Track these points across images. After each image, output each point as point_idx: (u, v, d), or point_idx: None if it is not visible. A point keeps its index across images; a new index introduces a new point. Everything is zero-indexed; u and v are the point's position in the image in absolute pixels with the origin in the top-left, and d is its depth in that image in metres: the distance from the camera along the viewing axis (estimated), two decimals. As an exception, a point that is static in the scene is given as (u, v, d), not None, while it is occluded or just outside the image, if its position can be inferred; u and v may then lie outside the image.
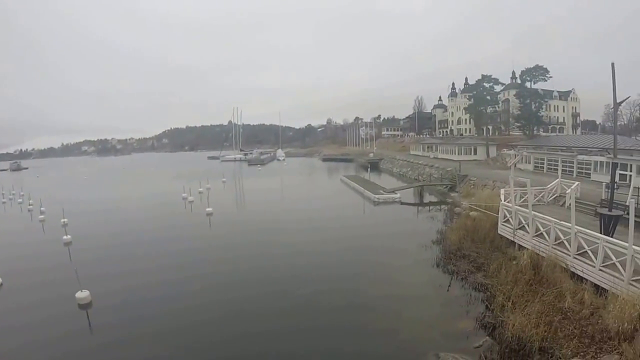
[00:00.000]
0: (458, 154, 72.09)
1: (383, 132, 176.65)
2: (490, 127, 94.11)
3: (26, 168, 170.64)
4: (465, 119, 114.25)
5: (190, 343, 14.60)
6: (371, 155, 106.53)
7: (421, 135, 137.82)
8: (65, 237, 30.67)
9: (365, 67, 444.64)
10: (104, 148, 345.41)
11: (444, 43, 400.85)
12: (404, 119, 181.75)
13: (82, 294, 18.27)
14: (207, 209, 38.83)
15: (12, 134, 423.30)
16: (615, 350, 11.00)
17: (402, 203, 42.15)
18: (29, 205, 49.02)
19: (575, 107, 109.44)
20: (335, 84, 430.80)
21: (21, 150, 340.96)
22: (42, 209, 42.70)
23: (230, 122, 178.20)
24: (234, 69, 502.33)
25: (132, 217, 40.85)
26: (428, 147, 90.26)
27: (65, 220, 34.93)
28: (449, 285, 18.32)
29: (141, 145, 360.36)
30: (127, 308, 17.88)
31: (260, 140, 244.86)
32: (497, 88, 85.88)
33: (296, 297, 18.32)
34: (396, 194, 44.45)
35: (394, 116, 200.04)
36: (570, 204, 17.19)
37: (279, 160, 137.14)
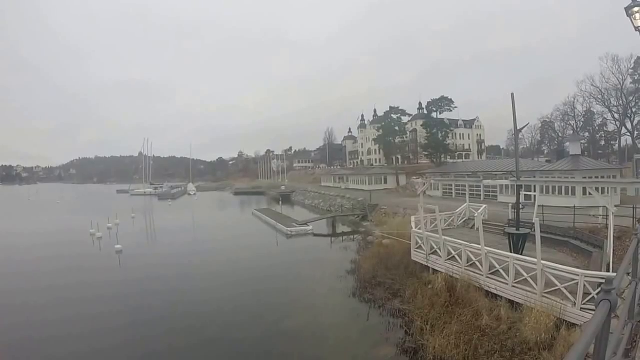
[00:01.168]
0: (369, 183, 74.25)
1: (295, 165, 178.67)
2: (400, 157, 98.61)
3: None
4: (375, 150, 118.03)
5: None
6: (283, 187, 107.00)
7: (332, 167, 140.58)
8: None
9: (276, 98, 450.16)
10: (8, 175, 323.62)
11: (348, 73, 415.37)
12: (315, 151, 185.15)
13: None
14: (117, 246, 36.39)
15: None
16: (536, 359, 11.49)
17: (315, 235, 42.12)
18: None
19: (480, 134, 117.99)
20: (247, 116, 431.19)
21: None
22: None
23: (140, 153, 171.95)
24: (143, 91, 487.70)
25: (34, 252, 37.94)
26: (339, 178, 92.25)
27: None
28: (368, 314, 18.15)
29: (48, 175, 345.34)
30: (27, 355, 16.49)
31: (171, 173, 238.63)
32: (405, 119, 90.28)
33: (211, 332, 17.77)
34: (309, 226, 44.39)
35: (305, 148, 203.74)
36: (478, 227, 17.82)
37: (190, 194, 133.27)
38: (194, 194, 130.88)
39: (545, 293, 13.60)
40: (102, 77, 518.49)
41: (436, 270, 19.95)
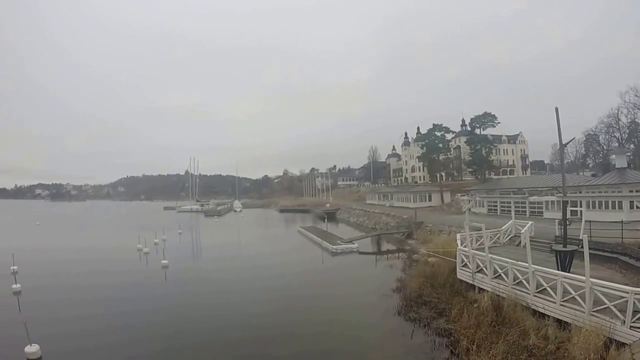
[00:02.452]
0: (413, 201, 73.56)
1: (339, 182, 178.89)
2: (444, 174, 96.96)
3: None
4: (419, 167, 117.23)
5: None
6: (328, 205, 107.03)
7: (376, 185, 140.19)
8: (14, 285, 29.48)
9: (317, 116, 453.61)
10: (58, 193, 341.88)
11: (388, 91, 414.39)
12: (359, 169, 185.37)
13: (32, 349, 17.26)
14: (163, 261, 37.43)
15: None
16: (585, 379, 11.16)
17: (360, 252, 41.83)
18: None
19: (524, 149, 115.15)
20: (292, 137, 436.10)
21: None
22: None
23: (187, 172, 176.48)
24: (190, 116, 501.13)
25: (85, 266, 38.86)
26: (384, 196, 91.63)
27: (16, 267, 33.79)
28: (412, 333, 17.82)
29: (96, 193, 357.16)
30: None
31: (217, 191, 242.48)
32: (448, 136, 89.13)
33: (252, 347, 17.84)
34: (354, 243, 44.17)
35: (349, 166, 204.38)
36: (525, 244, 17.54)
37: (235, 211, 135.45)
38: (240, 211, 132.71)
39: (594, 311, 13.18)
40: (144, 104, 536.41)
41: (482, 289, 19.61)
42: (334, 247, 42.99)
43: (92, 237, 67.86)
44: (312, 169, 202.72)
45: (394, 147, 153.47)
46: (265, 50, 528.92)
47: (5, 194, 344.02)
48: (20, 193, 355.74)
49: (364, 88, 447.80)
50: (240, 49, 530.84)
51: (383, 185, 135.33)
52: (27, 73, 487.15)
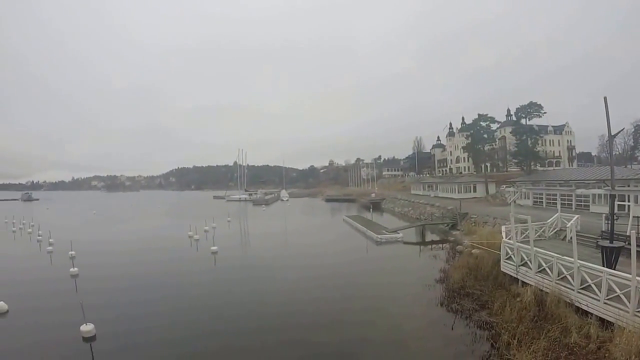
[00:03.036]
0: (458, 192, 72.41)
1: (384, 173, 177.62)
2: (488, 165, 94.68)
3: (37, 199, 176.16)
4: (464, 158, 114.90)
5: None
6: (373, 195, 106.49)
7: (421, 175, 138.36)
8: (72, 269, 30.65)
9: (362, 107, 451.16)
10: (113, 184, 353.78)
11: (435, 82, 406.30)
12: (404, 159, 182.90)
13: (87, 327, 18.02)
14: (212, 248, 38.34)
15: (24, 165, 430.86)
16: (625, 383, 10.69)
17: (404, 242, 41.45)
18: (38, 235, 50.02)
19: (570, 140, 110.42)
20: (336, 128, 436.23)
21: (32, 181, 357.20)
22: (50, 240, 43.19)
23: (235, 162, 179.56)
24: (238, 111, 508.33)
25: (138, 252, 40.50)
26: (428, 187, 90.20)
27: (73, 252, 35.24)
28: (453, 324, 17.68)
29: (149, 183, 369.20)
30: (130, 344, 17.58)
31: (264, 180, 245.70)
32: (493, 126, 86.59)
33: (294, 332, 18.07)
34: (398, 233, 43.97)
35: (394, 157, 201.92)
36: (571, 238, 17.05)
37: (282, 200, 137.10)
38: (287, 200, 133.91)
39: (638, 312, 12.60)
40: (192, 104, 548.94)
41: (525, 283, 19.10)
42: (379, 236, 42.88)
43: (145, 224, 70.15)
44: (358, 159, 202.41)
45: (438, 137, 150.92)
46: (309, 47, 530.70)
47: (64, 185, 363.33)
48: (77, 185, 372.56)
49: (405, 79, 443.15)
50: (286, 48, 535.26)
51: (428, 175, 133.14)
52: (97, 79, 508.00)
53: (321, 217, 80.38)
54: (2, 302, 22.25)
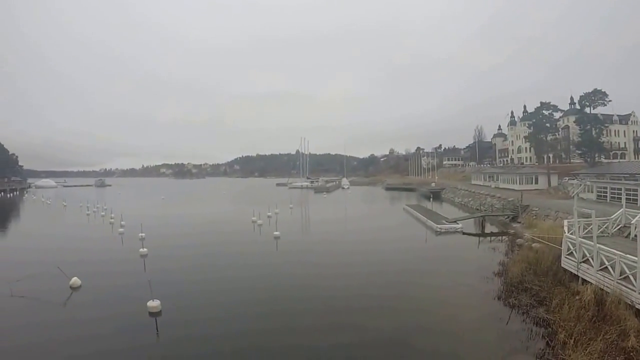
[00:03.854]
0: (519, 183, 69.63)
1: (444, 162, 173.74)
2: (551, 155, 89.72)
3: (109, 185, 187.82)
4: (525, 148, 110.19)
5: (253, 356, 14.72)
6: (433, 184, 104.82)
7: (482, 165, 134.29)
8: (141, 249, 32.04)
9: (423, 95, 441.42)
10: (180, 171, 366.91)
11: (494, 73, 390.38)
12: (464, 149, 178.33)
13: (154, 303, 18.76)
14: (275, 233, 38.96)
15: (98, 154, 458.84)
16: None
17: (464, 233, 40.59)
18: (111, 218, 52.95)
19: (636, 131, 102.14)
20: (396, 116, 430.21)
21: (105, 169, 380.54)
22: (122, 222, 45.41)
23: (297, 151, 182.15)
24: (299, 99, 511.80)
25: (204, 235, 41.82)
26: (489, 177, 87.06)
27: (143, 234, 36.66)
28: (509, 319, 17.11)
29: (214, 171, 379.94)
30: (194, 319, 18.18)
31: (326, 169, 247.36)
32: (557, 115, 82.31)
33: (349, 316, 18.10)
34: (458, 224, 43.14)
35: (454, 146, 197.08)
36: (635, 236, 16.26)
37: (343, 188, 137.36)
38: (347, 188, 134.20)
39: None
40: (254, 90, 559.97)
41: (586, 281, 18.15)
42: (438, 226, 42.32)
43: (210, 209, 72.20)
44: (418, 148, 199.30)
45: (499, 126, 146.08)
46: (365, 31, 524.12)
47: (134, 172, 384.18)
48: (147, 172, 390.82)
49: (464, 63, 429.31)
50: (341, 33, 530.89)
51: (488, 165, 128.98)
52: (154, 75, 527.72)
53: (381, 205, 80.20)
54: (76, 277, 23.50)
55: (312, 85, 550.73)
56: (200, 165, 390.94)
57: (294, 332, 16.61)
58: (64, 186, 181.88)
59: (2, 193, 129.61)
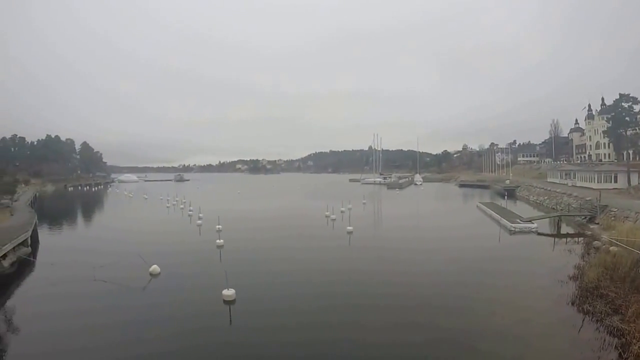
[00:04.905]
0: (597, 181, 64.16)
1: (518, 158, 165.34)
2: (631, 152, 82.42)
3: (188, 180, 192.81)
4: (604, 144, 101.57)
5: (323, 348, 14.71)
6: (507, 182, 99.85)
7: (558, 162, 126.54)
8: (218, 240, 32.88)
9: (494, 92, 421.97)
10: (255, 167, 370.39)
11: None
12: (539, 144, 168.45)
13: (228, 292, 19.09)
14: (348, 228, 38.90)
15: (177, 151, 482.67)
16: None
17: (538, 233, 38.56)
18: (189, 211, 55.05)
19: None
20: (467, 110, 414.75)
21: (184, 165, 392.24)
22: (200, 215, 47.30)
23: (370, 147, 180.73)
24: (371, 95, 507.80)
25: (278, 229, 42.43)
26: (565, 174, 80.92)
27: (220, 226, 37.79)
28: (581, 326, 16.10)
29: (288, 166, 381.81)
30: (265, 309, 18.44)
31: (398, 165, 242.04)
32: (637, 108, 74.71)
33: (420, 316, 17.62)
34: (533, 223, 41.08)
35: (529, 141, 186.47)
36: None
37: (416, 184, 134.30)
38: (420, 184, 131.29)
39: None
40: (328, 87, 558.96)
41: None
42: (513, 225, 40.63)
43: (284, 203, 73.30)
44: (492, 144, 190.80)
45: (576, 120, 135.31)
46: (429, 24, 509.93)
47: (211, 168, 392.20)
48: (223, 168, 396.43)
49: (534, 50, 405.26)
50: (406, 28, 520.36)
51: (565, 162, 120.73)
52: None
53: (454, 203, 77.87)
54: (155, 265, 24.56)
55: (379, 81, 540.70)
56: (275, 161, 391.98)
57: (361, 328, 16.39)
58: (145, 181, 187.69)
59: (88, 187, 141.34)
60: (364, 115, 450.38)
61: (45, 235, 41.42)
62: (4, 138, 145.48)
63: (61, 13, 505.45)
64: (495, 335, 15.91)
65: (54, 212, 67.63)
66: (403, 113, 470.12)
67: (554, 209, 55.29)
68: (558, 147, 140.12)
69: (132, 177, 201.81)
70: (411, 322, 16.99)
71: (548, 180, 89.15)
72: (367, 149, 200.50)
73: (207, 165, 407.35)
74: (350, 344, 14.99)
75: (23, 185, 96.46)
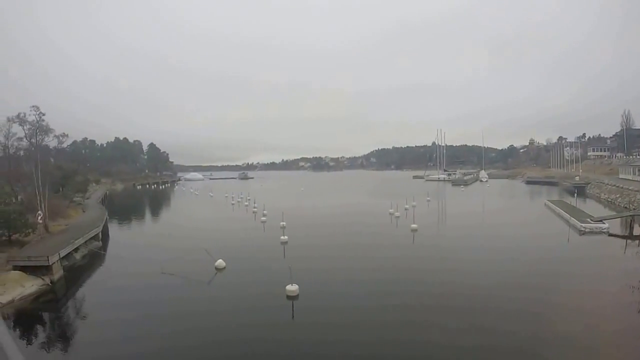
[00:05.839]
0: (672, 177, 59.88)
1: (588, 153, 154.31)
2: None
3: (252, 178, 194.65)
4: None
5: (384, 347, 14.41)
6: (577, 178, 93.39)
7: (631, 156, 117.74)
8: (282, 237, 32.71)
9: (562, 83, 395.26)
10: (318, 164, 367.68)
11: None
12: (610, 138, 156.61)
13: (292, 287, 19.19)
14: (412, 225, 38.12)
15: (241, 150, 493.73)
16: None
17: (610, 234, 36.19)
18: (254, 208, 55.48)
19: None
20: (533, 103, 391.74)
21: (248, 163, 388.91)
22: (264, 212, 47.54)
23: (434, 143, 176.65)
24: (432, 89, 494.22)
25: (341, 226, 41.95)
26: (639, 170, 75.20)
27: (284, 223, 37.69)
28: None
29: (351, 163, 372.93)
30: (327, 306, 18.48)
31: (462, 161, 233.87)
32: None
33: (482, 319, 16.94)
34: (604, 223, 38.68)
35: (599, 134, 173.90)
36: None
37: (481, 181, 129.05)
38: (486, 181, 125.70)
39: None
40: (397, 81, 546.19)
41: None
42: (582, 225, 38.59)
43: (348, 200, 71.60)
44: (560, 138, 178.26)
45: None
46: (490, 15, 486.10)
47: (275, 166, 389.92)
48: (286, 165, 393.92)
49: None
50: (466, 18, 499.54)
51: (638, 157, 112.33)
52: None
53: (521, 200, 74.10)
54: (221, 260, 25.15)
55: (442, 73, 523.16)
56: (338, 158, 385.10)
57: (422, 329, 16.12)
58: (210, 179, 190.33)
59: (155, 185, 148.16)
60: (427, 110, 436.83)
61: (115, 230, 43.79)
62: (75, 141, 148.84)
63: (130, 31, 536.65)
64: (561, 342, 14.98)
65: (124, 209, 70.86)
66: (467, 106, 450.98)
67: (626, 207, 51.85)
68: (631, 140, 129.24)
69: (198, 175, 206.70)
70: (474, 325, 16.29)
71: (620, 176, 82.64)
72: (430, 144, 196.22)
73: (270, 163, 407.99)
74: (412, 345, 14.78)
75: (94, 184, 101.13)
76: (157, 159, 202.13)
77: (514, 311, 17.96)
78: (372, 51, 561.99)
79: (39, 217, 30.26)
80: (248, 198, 70.06)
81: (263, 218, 45.00)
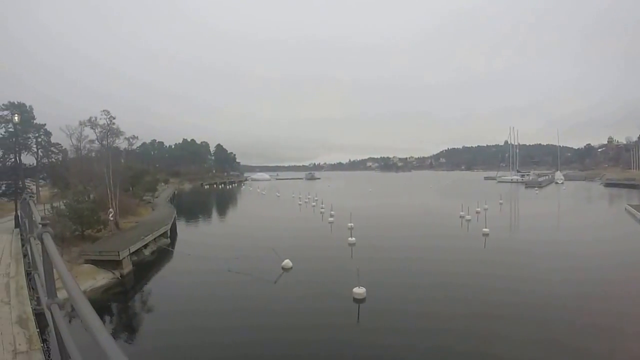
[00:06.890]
0: None
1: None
2: None
3: (319, 178, 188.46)
4: None
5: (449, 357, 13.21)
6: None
7: None
8: (350, 238, 31.01)
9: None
10: (386, 165, 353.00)
11: None
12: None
13: (359, 290, 17.99)
14: (484, 229, 34.24)
15: (308, 150, 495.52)
16: None
17: None
18: (321, 208, 52.96)
19: None
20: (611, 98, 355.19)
21: (314, 163, 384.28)
22: (331, 212, 44.93)
23: (506, 142, 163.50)
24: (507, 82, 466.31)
25: (410, 228, 39.48)
26: None
27: (352, 224, 35.40)
28: None
29: (420, 164, 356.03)
30: (395, 309, 17.23)
31: (536, 161, 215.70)
32: None
33: (558, 337, 14.25)
34: None
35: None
36: None
37: (557, 183, 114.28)
38: (561, 183, 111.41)
39: None
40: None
41: None
42: None
43: (417, 202, 68.42)
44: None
45: None
46: None
47: (342, 166, 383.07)
48: (353, 165, 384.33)
49: None
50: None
51: None
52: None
53: (599, 204, 65.45)
54: (288, 260, 23.89)
55: (512, 65, 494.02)
56: (406, 158, 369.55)
57: (491, 341, 14.37)
58: (277, 179, 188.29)
59: (223, 185, 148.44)
60: (498, 106, 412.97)
61: (182, 228, 43.56)
62: (144, 143, 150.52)
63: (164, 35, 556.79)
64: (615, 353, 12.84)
65: (191, 208, 70.96)
66: (541, 102, 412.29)
67: None
68: None
69: (264, 175, 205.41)
70: (547, 339, 14.32)
71: None
72: (502, 143, 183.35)
73: (337, 163, 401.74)
74: (478, 357, 13.52)
75: (163, 184, 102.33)
76: (224, 159, 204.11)
77: (593, 327, 15.46)
78: (431, 43, 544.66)
79: (110, 215, 30.74)
80: (315, 198, 67.59)
81: (330, 219, 43.27)
